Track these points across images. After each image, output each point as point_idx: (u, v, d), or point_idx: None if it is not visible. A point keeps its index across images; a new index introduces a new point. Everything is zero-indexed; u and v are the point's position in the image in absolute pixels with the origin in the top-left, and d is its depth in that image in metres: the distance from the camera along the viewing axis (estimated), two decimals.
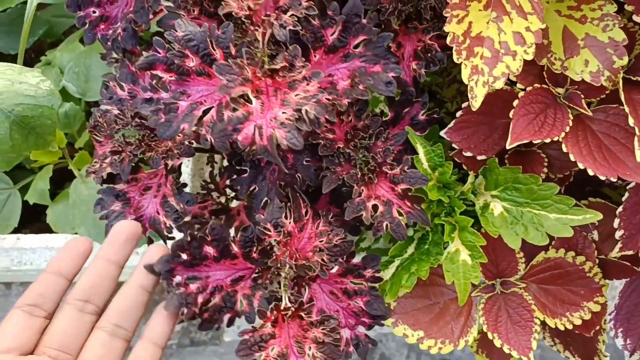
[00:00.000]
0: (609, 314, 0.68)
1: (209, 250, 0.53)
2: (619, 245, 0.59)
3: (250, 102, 0.47)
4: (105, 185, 0.65)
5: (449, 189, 0.61)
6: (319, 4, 0.52)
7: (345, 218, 0.52)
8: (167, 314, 0.52)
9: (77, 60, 1.00)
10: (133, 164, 0.62)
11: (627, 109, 0.50)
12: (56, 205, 0.91)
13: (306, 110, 0.45)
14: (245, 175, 0.64)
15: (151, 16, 0.64)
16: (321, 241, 0.52)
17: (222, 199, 0.77)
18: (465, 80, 0.49)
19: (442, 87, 0.78)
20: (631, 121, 0.50)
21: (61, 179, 1.05)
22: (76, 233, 0.86)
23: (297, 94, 0.47)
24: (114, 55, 0.70)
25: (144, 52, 0.68)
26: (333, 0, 0.52)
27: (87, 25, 0.64)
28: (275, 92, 0.48)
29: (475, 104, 0.49)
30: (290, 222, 0.51)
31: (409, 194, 0.54)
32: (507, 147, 0.54)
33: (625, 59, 0.50)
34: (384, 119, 0.58)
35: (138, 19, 0.61)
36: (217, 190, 0.77)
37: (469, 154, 0.61)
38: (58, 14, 1.15)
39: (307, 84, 0.47)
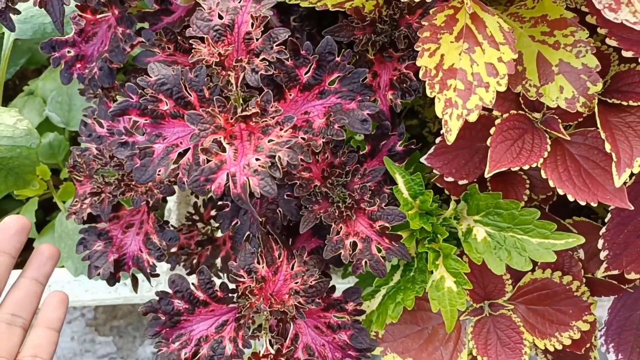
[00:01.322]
0: (599, 330, 0.68)
1: (179, 304, 0.53)
2: (604, 265, 0.59)
3: (223, 149, 0.46)
4: (87, 225, 0.65)
5: (432, 215, 0.61)
6: (291, 44, 0.51)
7: (324, 256, 0.52)
8: (59, 299, 0.56)
9: (60, 89, 1.00)
10: (113, 204, 0.62)
11: (603, 135, 0.49)
12: (43, 237, 0.91)
13: (279, 157, 0.45)
14: (227, 209, 0.64)
15: (128, 49, 0.63)
16: (296, 283, 0.51)
17: (208, 229, 0.77)
18: (439, 114, 0.49)
19: (423, 107, 0.77)
20: (608, 147, 0.49)
21: (49, 208, 1.04)
22: (62, 267, 0.86)
23: (271, 140, 0.46)
24: (92, 91, 0.69)
25: (121, 88, 0.68)
26: (306, 40, 0.52)
27: (62, 66, 0.64)
28: (249, 136, 0.48)
29: (450, 137, 0.48)
30: (263, 267, 0.51)
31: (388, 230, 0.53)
32: (486, 175, 0.54)
33: (600, 85, 0.50)
34: (361, 152, 0.57)
35: (113, 58, 0.61)
36: (202, 221, 0.76)
37: (450, 179, 0.61)
38: (39, 41, 1.15)
39: (281, 129, 0.46)
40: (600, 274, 0.60)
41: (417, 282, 0.61)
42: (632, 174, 0.56)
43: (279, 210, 0.60)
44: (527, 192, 0.61)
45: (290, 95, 0.54)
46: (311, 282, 0.52)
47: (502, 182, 0.63)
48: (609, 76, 0.56)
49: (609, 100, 0.53)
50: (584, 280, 0.64)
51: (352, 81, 0.54)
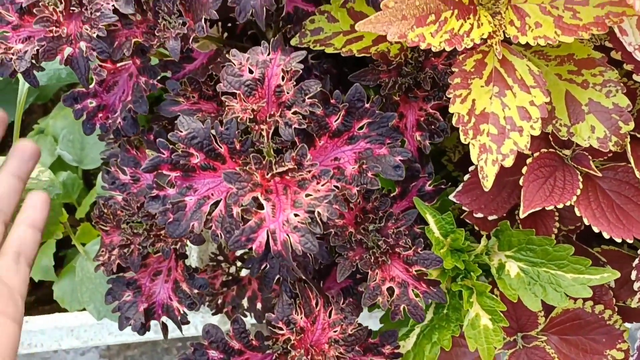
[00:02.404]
0: (632, 355, 0.68)
1: (214, 354, 0.53)
2: (638, 296, 0.59)
3: (261, 206, 0.46)
4: (114, 275, 0.65)
5: (463, 252, 0.61)
6: (321, 94, 0.51)
7: (362, 304, 0.52)
8: (42, 199, 0.57)
9: (71, 127, 0.99)
10: (143, 255, 0.61)
11: (638, 174, 0.49)
12: (62, 280, 0.90)
13: (319, 213, 0.45)
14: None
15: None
16: (335, 331, 0.51)
17: (232, 269, 0.76)
18: (474, 161, 0.49)
19: None
20: None
21: (65, 245, 1.04)
22: (84, 309, 0.86)
23: (308, 194, 0.46)
24: (112, 136, 0.69)
25: (141, 134, 0.68)
26: (336, 89, 0.52)
27: (85, 117, 0.63)
28: (285, 190, 0.48)
29: (487, 184, 0.48)
30: (301, 317, 0.51)
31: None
32: (521, 216, 0.53)
33: (632, 125, 0.50)
34: (391, 194, 0.57)
35: (137, 109, 0.61)
36: (227, 261, 0.76)
37: (479, 215, 0.61)
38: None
39: (317, 183, 0.46)
40: (634, 303, 0.60)
41: (452, 321, 0.61)
42: None
43: (310, 255, 0.60)
44: (557, 224, 0.61)
45: (320, 142, 0.54)
46: (350, 330, 0.52)
47: (531, 215, 0.62)
48: (635, 109, 0.56)
49: (638, 135, 0.53)
50: (616, 308, 0.64)
51: (381, 125, 0.54)
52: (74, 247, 0.92)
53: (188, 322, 0.64)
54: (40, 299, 1.02)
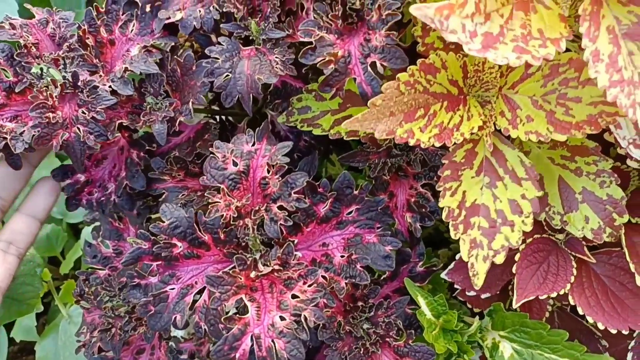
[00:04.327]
0: None
1: None
2: None
3: (245, 310, 0.44)
4: (96, 356, 0.63)
5: (455, 332, 0.59)
6: (308, 185, 0.50)
7: None
8: (49, 188, 0.56)
9: None
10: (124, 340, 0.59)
11: (632, 267, 0.48)
12: (45, 340, 0.88)
13: (305, 317, 0.43)
14: None
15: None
16: None
17: None
18: (465, 258, 0.47)
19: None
20: (638, 280, 0.48)
21: (50, 301, 1.01)
22: None
23: (295, 296, 0.45)
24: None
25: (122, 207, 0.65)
26: (313, 170, 0.50)
27: (72, 192, 0.61)
28: (271, 288, 0.46)
29: (478, 282, 0.47)
30: None
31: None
32: (514, 305, 0.52)
33: (626, 217, 0.49)
34: (381, 277, 0.56)
35: (134, 184, 0.58)
36: None
37: (472, 293, 0.59)
38: None
39: (304, 283, 0.45)
40: None
41: None
42: None
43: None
44: (551, 301, 0.60)
45: (308, 228, 0.52)
46: None
47: None
48: (628, 190, 0.55)
49: (632, 220, 0.52)
50: None
51: (370, 209, 0.53)
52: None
53: None
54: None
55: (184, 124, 0.62)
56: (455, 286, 0.59)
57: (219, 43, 0.52)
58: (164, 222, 0.50)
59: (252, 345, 0.43)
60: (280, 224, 0.49)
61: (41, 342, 0.88)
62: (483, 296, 0.59)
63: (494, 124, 0.48)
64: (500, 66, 0.48)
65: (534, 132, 0.46)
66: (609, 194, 0.49)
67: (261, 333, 0.44)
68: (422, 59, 0.45)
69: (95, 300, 0.61)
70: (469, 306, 0.62)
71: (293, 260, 0.46)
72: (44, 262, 0.96)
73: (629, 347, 0.57)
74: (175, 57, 0.53)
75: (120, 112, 0.55)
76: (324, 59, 0.45)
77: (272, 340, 0.43)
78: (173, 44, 0.55)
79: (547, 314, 0.62)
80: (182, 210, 0.50)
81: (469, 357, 0.58)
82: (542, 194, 0.47)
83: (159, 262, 0.51)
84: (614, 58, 0.39)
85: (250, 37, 0.52)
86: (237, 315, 0.43)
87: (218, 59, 0.51)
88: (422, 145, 0.45)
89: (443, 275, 0.59)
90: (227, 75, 0.51)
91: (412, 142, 0.45)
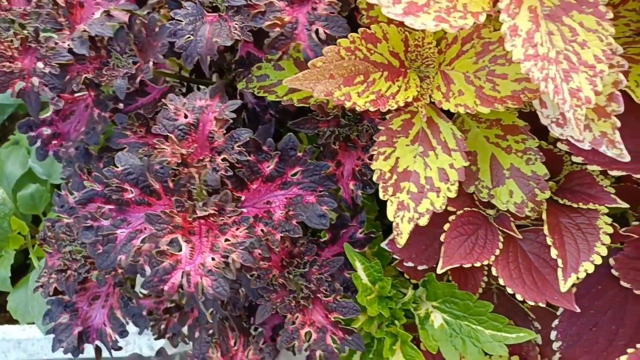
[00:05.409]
0: None
1: None
2: (558, 355, 0.60)
3: (180, 248, 0.48)
4: (54, 296, 0.66)
5: (391, 299, 0.62)
6: (253, 142, 0.53)
7: (278, 347, 0.53)
8: None
9: None
10: (79, 282, 0.63)
11: (549, 241, 0.51)
12: (17, 291, 0.91)
13: (233, 259, 0.46)
14: None
15: (101, 131, 0.65)
16: None
17: (176, 296, 0.78)
18: (391, 218, 0.50)
19: None
20: (554, 253, 0.51)
21: (27, 256, 1.05)
22: (33, 323, 0.87)
23: (227, 240, 0.48)
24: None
25: (96, 160, 0.69)
26: (269, 137, 0.54)
27: (39, 143, 0.65)
28: (208, 232, 0.50)
29: (401, 240, 0.50)
30: (217, 356, 0.52)
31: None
32: (438, 271, 0.55)
33: (548, 193, 0.52)
34: (322, 239, 0.59)
35: (89, 141, 0.63)
36: None
37: (410, 264, 0.62)
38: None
39: (237, 229, 0.48)
40: None
41: None
42: None
43: (242, 290, 0.61)
44: (485, 278, 0.63)
45: (254, 185, 0.55)
46: None
47: (462, 268, 0.64)
48: (562, 175, 0.58)
49: (561, 201, 0.55)
50: None
51: (314, 173, 0.56)
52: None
53: (120, 348, 0.66)
54: None
55: (152, 86, 0.66)
56: (394, 256, 0.62)
57: (184, 7, 0.56)
58: (118, 167, 0.53)
59: (182, 280, 0.47)
60: (226, 179, 0.52)
61: (13, 293, 0.92)
62: (420, 268, 0.62)
63: (430, 96, 0.51)
64: (438, 43, 0.51)
65: (463, 105, 0.49)
66: (534, 170, 0.52)
67: (191, 270, 0.47)
68: (364, 28, 0.48)
69: (56, 244, 0.64)
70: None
71: (229, 207, 0.49)
72: (28, 221, 1.00)
73: (553, 326, 0.60)
74: (140, 19, 0.56)
75: (88, 67, 0.59)
76: (271, 22, 0.49)
77: (201, 278, 0.47)
78: (139, 9, 0.58)
79: (488, 295, 0.65)
80: (136, 159, 0.54)
81: (400, 324, 0.61)
82: (469, 164, 0.50)
83: (112, 207, 0.54)
84: (531, 34, 0.42)
85: (215, 4, 0.56)
86: (170, 252, 0.47)
87: (182, 21, 0.55)
88: (357, 109, 0.49)
89: (383, 245, 0.62)
90: (189, 37, 0.54)
91: (348, 105, 0.48)
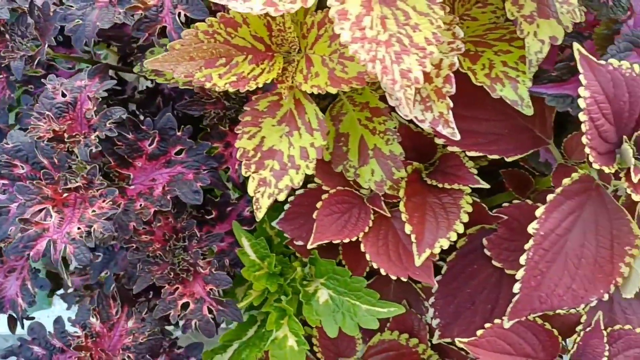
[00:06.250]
0: None
1: (38, 350, 0.58)
2: (438, 332, 0.62)
3: (49, 217, 0.51)
4: None
5: (282, 276, 0.65)
6: (130, 121, 0.56)
7: (154, 316, 0.56)
8: None
9: None
10: None
11: (404, 217, 0.53)
12: None
13: (94, 228, 0.50)
14: (99, 260, 0.68)
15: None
16: (129, 339, 0.56)
17: None
18: (251, 193, 0.53)
19: None
20: (408, 229, 0.53)
21: None
22: None
23: (94, 211, 0.51)
24: None
25: None
26: (148, 117, 0.57)
27: None
28: (80, 205, 0.53)
29: (260, 214, 0.53)
30: (98, 323, 0.55)
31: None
32: (308, 247, 0.58)
33: (403, 172, 0.54)
34: (208, 216, 0.62)
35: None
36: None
37: (300, 242, 0.65)
38: None
39: (103, 201, 0.51)
40: (435, 340, 0.63)
41: (265, 340, 0.65)
42: (457, 248, 0.60)
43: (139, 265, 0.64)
44: None
45: (138, 163, 0.59)
46: (142, 339, 0.56)
47: (354, 247, 0.66)
48: (436, 157, 0.60)
49: (429, 182, 0.57)
50: (430, 344, 0.67)
51: (198, 153, 0.59)
52: None
53: (33, 318, 0.70)
54: None
55: (63, 70, 0.70)
56: (285, 235, 0.65)
57: None
58: (8, 144, 0.57)
59: (47, 247, 0.50)
60: (109, 155, 0.56)
61: None
62: (309, 247, 0.65)
63: (293, 78, 0.54)
64: (301, 27, 0.53)
65: (317, 85, 0.51)
66: (391, 150, 0.54)
67: (58, 239, 0.50)
68: (223, 12, 0.51)
69: None
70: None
71: (97, 180, 0.52)
72: None
73: (430, 303, 0.62)
74: (35, 4, 0.60)
75: None
76: (131, 5, 0.52)
77: (65, 246, 0.50)
78: None
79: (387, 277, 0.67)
80: (27, 137, 0.57)
81: (287, 299, 0.64)
82: (326, 143, 0.53)
83: (6, 182, 0.58)
84: (360, 18, 0.44)
85: None
86: (36, 220, 0.50)
87: (72, 6, 0.58)
88: (217, 89, 0.51)
89: (274, 224, 0.65)
90: (78, 22, 0.58)
91: (208, 86, 0.51)
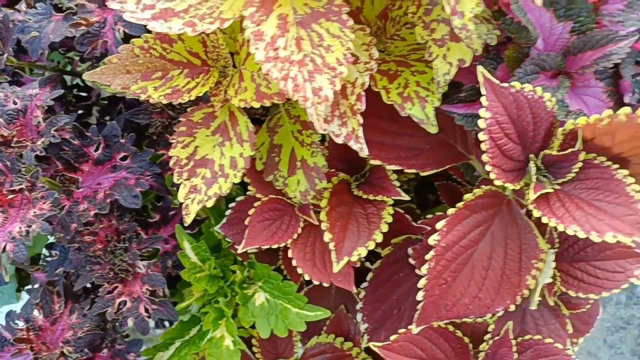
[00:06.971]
0: None
1: None
2: (367, 337, 0.65)
3: None
4: None
5: (223, 278, 0.68)
6: (75, 128, 0.60)
7: (91, 314, 0.60)
8: None
9: None
10: None
11: (324, 226, 0.56)
12: None
13: (33, 228, 0.53)
14: (55, 258, 0.72)
15: None
16: (70, 333, 0.59)
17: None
18: (180, 199, 0.56)
19: None
20: (327, 237, 0.56)
21: None
22: None
23: (35, 212, 0.55)
24: None
25: None
26: (93, 125, 0.61)
27: None
28: (25, 206, 0.57)
29: (189, 219, 0.56)
30: (41, 317, 0.59)
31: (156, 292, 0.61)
32: (239, 251, 0.61)
33: (325, 182, 0.57)
34: (151, 219, 0.66)
35: None
36: None
37: (240, 247, 0.68)
38: None
39: (44, 203, 0.55)
40: (364, 344, 0.66)
41: (204, 339, 0.68)
42: (381, 256, 0.63)
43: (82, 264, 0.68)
44: None
45: (85, 168, 0.62)
46: (80, 333, 0.60)
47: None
48: (366, 169, 0.63)
49: (356, 193, 0.60)
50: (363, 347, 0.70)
51: (142, 159, 0.63)
52: None
53: None
54: None
55: (27, 78, 0.74)
56: (227, 239, 0.68)
57: (35, 7, 0.63)
58: None
59: None
60: (57, 160, 0.60)
61: None
62: (240, 251, 0.68)
63: (226, 92, 0.57)
64: (235, 43, 0.57)
65: (244, 100, 0.55)
66: (315, 162, 0.57)
67: (0, 237, 0.54)
68: None
69: None
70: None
71: (39, 183, 0.56)
72: None
73: (358, 308, 0.65)
74: None
75: None
76: (74, 22, 0.56)
77: (6, 243, 0.54)
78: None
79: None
80: None
81: (225, 300, 0.67)
82: (255, 153, 0.56)
83: None
84: (275, 39, 0.48)
85: (60, 5, 0.63)
86: None
87: (30, 19, 0.63)
88: (151, 101, 0.55)
89: (216, 228, 0.68)
90: (34, 34, 0.62)
91: (143, 97, 0.55)
